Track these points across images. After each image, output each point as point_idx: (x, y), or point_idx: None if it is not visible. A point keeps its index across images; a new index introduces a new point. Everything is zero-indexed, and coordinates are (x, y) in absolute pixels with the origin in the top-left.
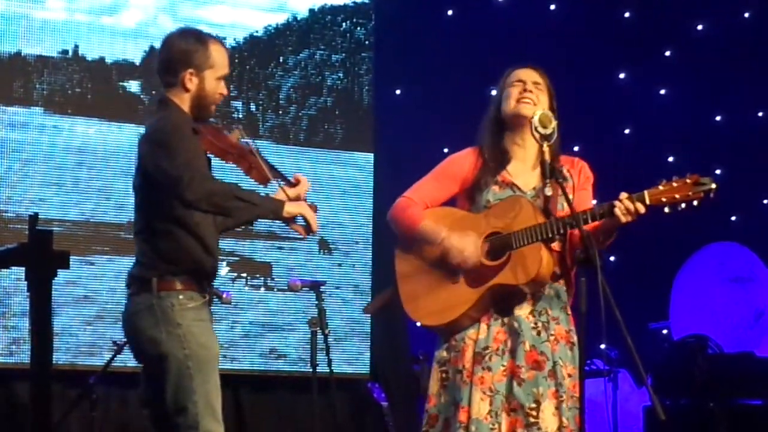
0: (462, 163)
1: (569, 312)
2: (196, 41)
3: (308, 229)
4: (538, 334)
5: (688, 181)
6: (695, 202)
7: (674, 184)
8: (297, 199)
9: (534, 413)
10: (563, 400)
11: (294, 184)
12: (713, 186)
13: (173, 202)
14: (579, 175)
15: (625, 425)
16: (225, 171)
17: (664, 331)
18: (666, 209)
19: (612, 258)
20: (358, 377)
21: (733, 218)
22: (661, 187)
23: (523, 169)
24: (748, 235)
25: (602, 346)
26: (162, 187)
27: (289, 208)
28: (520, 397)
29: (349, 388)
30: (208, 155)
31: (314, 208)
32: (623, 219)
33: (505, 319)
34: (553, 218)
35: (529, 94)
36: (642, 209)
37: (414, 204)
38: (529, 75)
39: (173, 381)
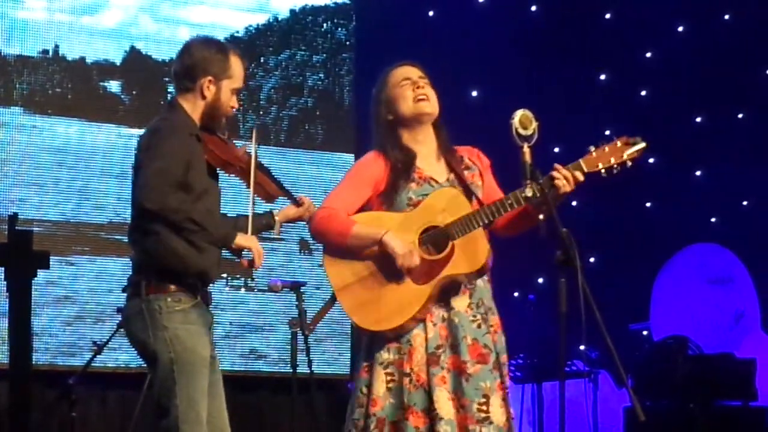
0: (372, 166)
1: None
2: (218, 50)
3: (252, 263)
4: (479, 326)
5: (618, 144)
6: (629, 164)
7: (606, 149)
8: (299, 218)
9: (484, 408)
10: (508, 391)
11: (299, 204)
12: (643, 145)
13: None
14: (480, 161)
15: (605, 426)
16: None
17: (645, 332)
18: (603, 173)
19: (592, 259)
20: (339, 378)
21: (713, 219)
22: (594, 154)
23: (430, 162)
24: (728, 236)
25: (582, 347)
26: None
27: (239, 241)
28: (469, 393)
29: (330, 389)
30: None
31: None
32: (563, 188)
33: (445, 314)
34: (494, 202)
35: (422, 90)
36: (580, 177)
37: (337, 211)
38: (412, 71)
39: (158, 383)
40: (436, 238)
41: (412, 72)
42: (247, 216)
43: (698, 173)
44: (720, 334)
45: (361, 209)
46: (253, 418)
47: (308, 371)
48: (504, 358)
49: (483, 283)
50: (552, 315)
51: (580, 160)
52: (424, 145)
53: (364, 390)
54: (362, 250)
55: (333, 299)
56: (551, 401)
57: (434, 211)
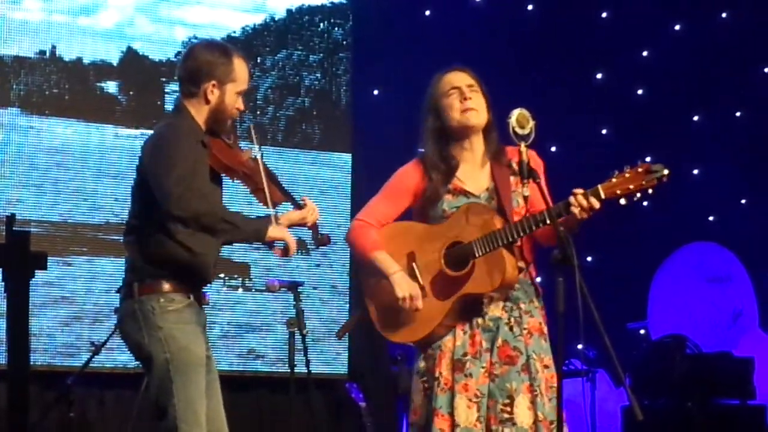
0: (411, 176)
1: (539, 304)
2: (221, 54)
3: (286, 252)
4: (511, 329)
5: (640, 170)
6: (650, 191)
7: (627, 175)
8: (302, 222)
9: (508, 409)
10: (537, 393)
11: (302, 206)
12: (665, 172)
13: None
14: (518, 167)
15: (603, 425)
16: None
17: (642, 331)
18: (622, 201)
19: (589, 258)
20: (336, 377)
21: (711, 218)
22: (614, 180)
23: (472, 170)
24: (726, 235)
25: (580, 347)
26: (154, 194)
27: (272, 233)
28: (494, 393)
29: (327, 389)
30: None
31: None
32: (579, 216)
33: (479, 321)
34: (512, 223)
35: (469, 102)
36: (596, 204)
37: (368, 227)
38: (461, 79)
39: (156, 384)
40: (458, 255)
41: (461, 79)
42: (260, 218)
43: (696, 172)
44: (718, 332)
45: (401, 218)
46: (251, 417)
47: (306, 371)
48: (547, 360)
49: (520, 287)
50: (550, 314)
51: (599, 186)
52: (471, 152)
53: (411, 400)
54: (378, 274)
55: (363, 311)
56: None
57: (461, 226)
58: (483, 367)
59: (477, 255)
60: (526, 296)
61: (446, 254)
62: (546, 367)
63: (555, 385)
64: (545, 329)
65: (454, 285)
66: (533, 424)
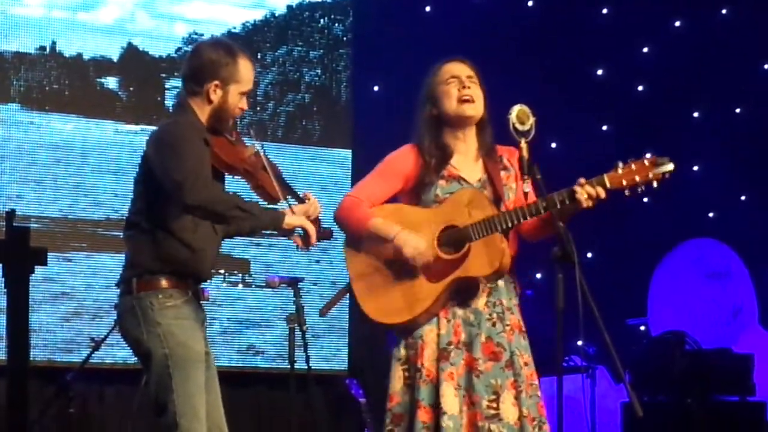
0: (404, 160)
1: (516, 301)
2: (226, 54)
3: (307, 241)
4: (494, 325)
5: (646, 162)
6: (655, 184)
7: (633, 166)
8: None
9: (494, 405)
10: (522, 390)
11: (304, 202)
12: (671, 167)
13: (163, 203)
14: (518, 163)
15: (603, 422)
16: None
17: (642, 328)
18: (626, 192)
19: (589, 255)
20: (336, 373)
21: (711, 214)
22: (620, 170)
23: (466, 161)
24: (726, 231)
25: (580, 343)
26: (163, 188)
27: (289, 220)
28: (479, 390)
29: (327, 385)
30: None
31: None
32: (584, 204)
33: (461, 312)
34: (515, 208)
35: (468, 91)
36: (603, 194)
37: (361, 202)
38: (461, 69)
39: (155, 380)
40: (454, 238)
41: (460, 70)
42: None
43: (696, 168)
44: (717, 329)
45: (390, 201)
46: (251, 413)
47: (306, 367)
48: (526, 358)
49: (503, 284)
50: (550, 311)
51: (605, 176)
52: (465, 143)
53: (388, 386)
54: (377, 243)
55: (347, 287)
56: (549, 397)
57: (456, 210)
58: (462, 360)
59: (474, 238)
60: (508, 293)
61: (440, 237)
62: (526, 364)
63: (535, 382)
64: (524, 326)
65: (448, 268)
66: (518, 420)
